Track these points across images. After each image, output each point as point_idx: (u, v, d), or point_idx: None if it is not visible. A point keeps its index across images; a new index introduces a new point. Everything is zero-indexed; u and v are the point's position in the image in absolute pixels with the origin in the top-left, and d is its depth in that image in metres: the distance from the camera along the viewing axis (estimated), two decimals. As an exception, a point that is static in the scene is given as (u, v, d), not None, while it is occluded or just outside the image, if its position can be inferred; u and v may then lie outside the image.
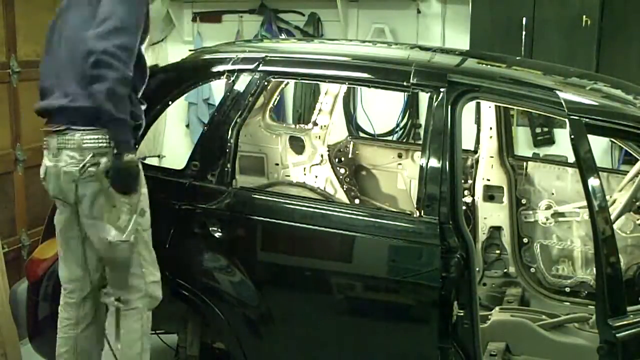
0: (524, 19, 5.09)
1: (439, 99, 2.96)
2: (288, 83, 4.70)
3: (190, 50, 4.10)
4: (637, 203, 3.53)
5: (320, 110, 4.38)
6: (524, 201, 4.06)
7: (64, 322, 3.11)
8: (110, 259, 2.96)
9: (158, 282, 3.01)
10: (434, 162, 2.89)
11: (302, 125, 4.53)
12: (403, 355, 2.96)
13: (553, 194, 4.00)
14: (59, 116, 2.91)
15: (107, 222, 2.86)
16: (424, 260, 2.84)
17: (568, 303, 3.89)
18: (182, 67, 3.62)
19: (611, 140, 4.69)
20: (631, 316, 2.65)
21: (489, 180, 4.10)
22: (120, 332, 2.97)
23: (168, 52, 6.42)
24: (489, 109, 4.04)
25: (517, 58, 4.40)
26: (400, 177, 4.40)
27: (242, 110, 3.20)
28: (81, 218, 2.94)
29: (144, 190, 2.97)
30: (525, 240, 4.06)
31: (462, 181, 3.68)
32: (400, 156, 4.41)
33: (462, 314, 2.82)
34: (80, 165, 2.84)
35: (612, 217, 3.27)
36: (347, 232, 2.98)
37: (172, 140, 6.47)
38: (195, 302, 3.15)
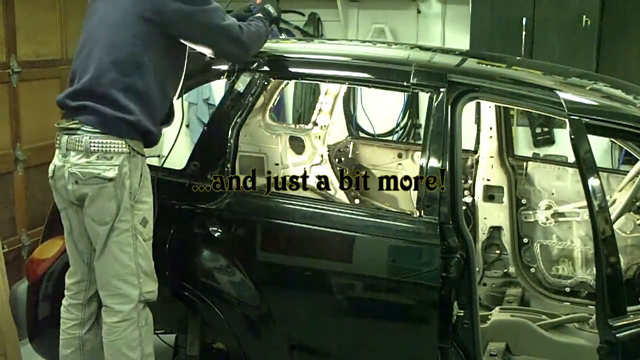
0: (524, 19, 5.10)
1: (439, 99, 2.96)
2: (288, 83, 4.70)
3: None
4: (637, 203, 3.53)
5: (320, 110, 4.38)
6: (524, 201, 4.06)
7: (67, 322, 3.08)
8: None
9: (154, 292, 2.96)
10: (434, 162, 2.89)
11: (302, 125, 4.53)
12: (403, 355, 2.96)
13: (553, 194, 4.00)
14: None
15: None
16: (424, 260, 2.84)
17: (568, 303, 3.89)
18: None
19: (611, 140, 4.69)
20: (631, 316, 2.65)
21: (489, 180, 4.10)
22: (118, 342, 2.91)
23: (168, 52, 6.41)
24: (489, 109, 4.04)
25: (517, 58, 4.40)
26: (400, 177, 4.40)
27: (242, 110, 3.21)
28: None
29: (149, 199, 2.95)
30: (525, 240, 4.06)
31: (462, 181, 3.68)
32: (400, 156, 4.41)
33: (462, 314, 2.82)
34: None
35: (612, 217, 3.27)
36: (347, 232, 2.98)
37: (172, 140, 6.44)
38: (195, 302, 3.15)
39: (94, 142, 2.81)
